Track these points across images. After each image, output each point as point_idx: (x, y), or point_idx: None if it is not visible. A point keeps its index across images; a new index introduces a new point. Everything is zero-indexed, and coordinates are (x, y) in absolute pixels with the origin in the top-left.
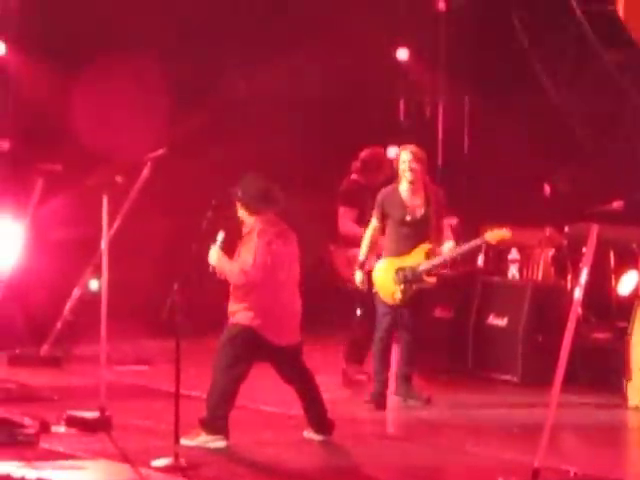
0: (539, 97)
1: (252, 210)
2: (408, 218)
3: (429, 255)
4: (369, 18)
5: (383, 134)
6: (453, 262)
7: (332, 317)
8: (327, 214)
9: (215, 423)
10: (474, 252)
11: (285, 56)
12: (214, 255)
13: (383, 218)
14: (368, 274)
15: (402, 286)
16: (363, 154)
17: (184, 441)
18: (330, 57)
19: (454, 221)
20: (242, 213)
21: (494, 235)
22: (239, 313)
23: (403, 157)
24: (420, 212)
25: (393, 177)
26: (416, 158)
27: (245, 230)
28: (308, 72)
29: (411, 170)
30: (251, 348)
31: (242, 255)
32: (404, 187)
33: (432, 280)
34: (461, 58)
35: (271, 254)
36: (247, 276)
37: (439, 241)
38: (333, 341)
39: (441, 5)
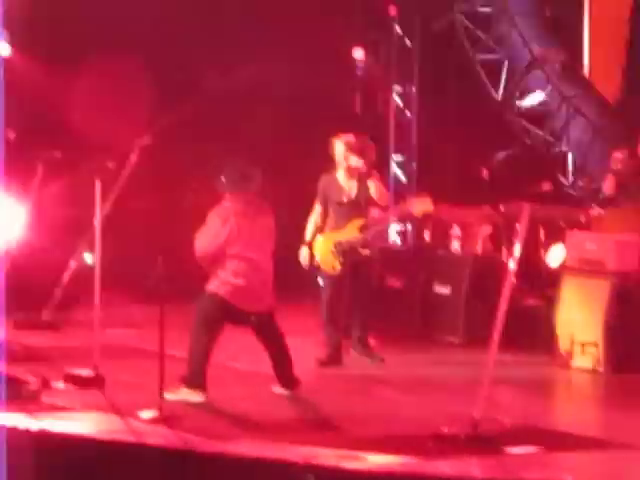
0: (480, 93)
1: (227, 190)
2: (344, 199)
3: (362, 229)
4: (329, 22)
5: (342, 125)
6: (382, 235)
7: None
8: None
9: (194, 379)
10: (402, 220)
11: (255, 57)
12: None
13: (325, 202)
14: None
15: (340, 258)
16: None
17: (168, 395)
18: (295, 57)
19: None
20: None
21: (418, 205)
22: (210, 281)
23: (338, 147)
24: (354, 193)
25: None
26: (349, 147)
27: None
28: (276, 71)
29: (345, 158)
30: (220, 313)
31: (200, 233)
32: (340, 173)
33: (366, 252)
34: (409, 57)
35: (226, 230)
36: (197, 252)
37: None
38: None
39: (392, 10)
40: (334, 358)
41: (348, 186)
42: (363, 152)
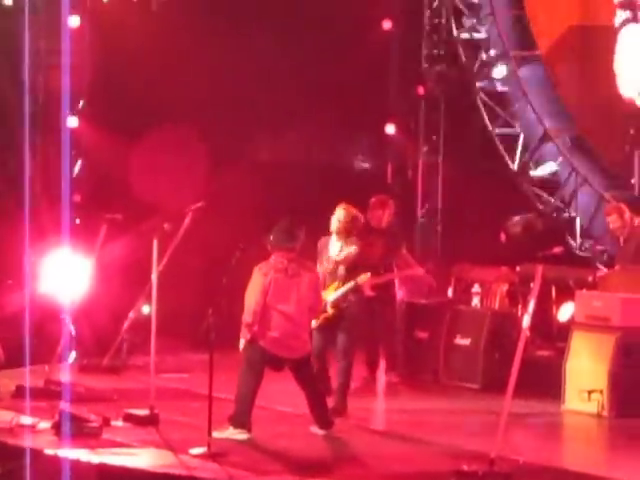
0: (498, 163)
1: (272, 247)
2: (330, 261)
3: (336, 289)
4: (365, 100)
5: (376, 192)
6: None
7: None
8: None
9: (240, 419)
10: (356, 290)
11: (296, 123)
12: None
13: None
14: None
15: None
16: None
17: (216, 434)
18: (334, 129)
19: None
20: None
21: (362, 278)
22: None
23: (336, 215)
24: (339, 257)
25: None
26: (344, 216)
27: None
28: (315, 141)
29: (338, 226)
30: (261, 359)
31: None
32: (333, 237)
33: (331, 312)
34: (437, 131)
35: (265, 284)
36: (246, 307)
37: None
38: None
39: (420, 90)
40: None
41: (335, 248)
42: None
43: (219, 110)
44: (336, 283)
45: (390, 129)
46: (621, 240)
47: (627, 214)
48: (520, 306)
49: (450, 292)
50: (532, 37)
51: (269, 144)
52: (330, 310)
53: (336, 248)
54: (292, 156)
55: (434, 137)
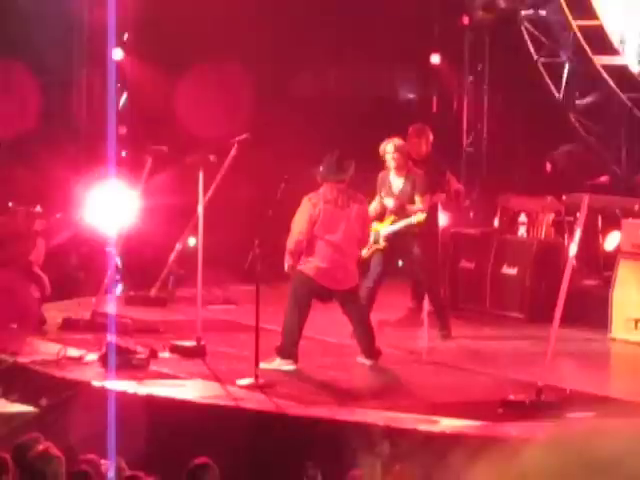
0: (541, 93)
1: (322, 178)
2: (389, 194)
3: (393, 224)
4: (410, 31)
5: (422, 122)
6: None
7: None
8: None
9: (287, 350)
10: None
11: (341, 56)
12: None
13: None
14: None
15: (373, 246)
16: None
17: (263, 365)
18: (378, 62)
19: (443, 196)
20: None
21: (418, 217)
22: (300, 262)
23: (388, 149)
24: (398, 190)
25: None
26: (397, 149)
27: None
28: (360, 74)
29: (393, 159)
30: (307, 290)
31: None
32: (392, 172)
33: (383, 244)
34: (481, 61)
35: (313, 215)
36: (292, 235)
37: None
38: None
39: (465, 19)
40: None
41: (394, 183)
42: (407, 154)
43: (264, 43)
44: (392, 217)
45: (435, 59)
46: None
47: None
48: (566, 235)
49: (496, 222)
50: None
51: (314, 75)
52: (382, 243)
53: (398, 183)
54: (337, 89)
55: (479, 67)
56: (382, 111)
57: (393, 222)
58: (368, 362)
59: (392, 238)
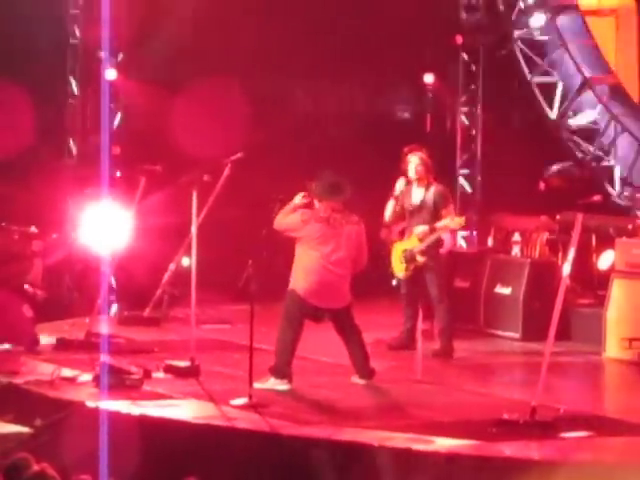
0: (535, 112)
1: (318, 198)
2: (411, 207)
3: (421, 239)
4: (404, 52)
5: (415, 142)
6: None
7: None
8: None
9: (281, 369)
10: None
11: (337, 80)
12: (295, 200)
13: (401, 205)
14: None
15: (405, 264)
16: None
17: (257, 385)
18: (373, 81)
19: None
20: (316, 201)
21: (455, 222)
22: (292, 280)
23: (412, 161)
24: (420, 200)
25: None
26: (422, 162)
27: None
28: (355, 93)
29: (417, 171)
30: (300, 309)
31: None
32: (414, 184)
33: (422, 259)
34: (474, 81)
35: (307, 230)
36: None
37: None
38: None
39: (458, 39)
40: (402, 342)
41: (416, 194)
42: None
43: (259, 62)
44: (418, 231)
45: (428, 79)
46: None
47: None
48: (560, 255)
49: (490, 241)
50: None
51: (309, 95)
52: (420, 259)
53: (419, 194)
54: (332, 107)
55: (472, 86)
56: (376, 130)
57: (423, 237)
58: (362, 382)
59: (428, 251)
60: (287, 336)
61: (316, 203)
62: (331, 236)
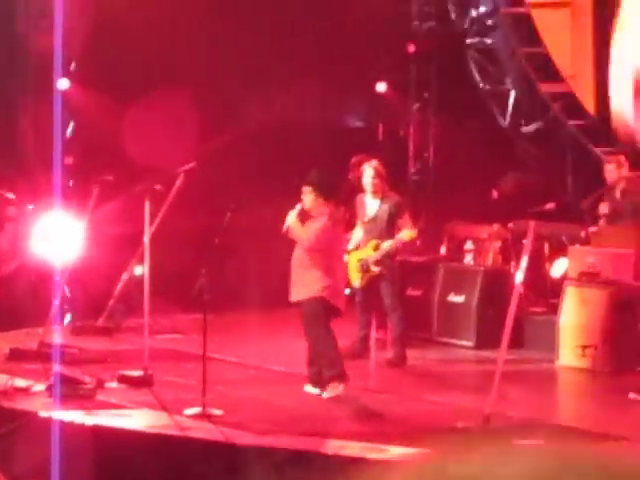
0: (488, 120)
1: (326, 196)
2: (366, 219)
3: (375, 249)
4: (356, 60)
5: (366, 151)
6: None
7: None
8: None
9: (344, 373)
10: (402, 246)
11: (290, 88)
12: (291, 218)
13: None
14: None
15: (360, 273)
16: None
17: (326, 394)
18: (325, 90)
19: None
20: (312, 198)
21: (405, 234)
22: (310, 287)
23: (367, 172)
24: (376, 213)
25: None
26: (376, 174)
27: (314, 211)
28: (308, 102)
29: (372, 184)
30: (327, 314)
31: (311, 228)
32: (368, 195)
33: (377, 270)
34: (428, 88)
35: (333, 233)
36: (310, 244)
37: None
38: None
39: (411, 47)
40: (356, 351)
41: (371, 206)
42: (384, 175)
43: (211, 71)
44: (374, 242)
45: (381, 87)
46: (616, 194)
47: (625, 169)
48: (513, 263)
49: (443, 249)
50: None
51: (261, 105)
52: (375, 269)
53: (374, 205)
54: (284, 117)
55: (425, 94)
56: (329, 139)
57: (377, 246)
58: (315, 391)
59: (383, 262)
60: (330, 342)
61: (310, 202)
62: (338, 236)
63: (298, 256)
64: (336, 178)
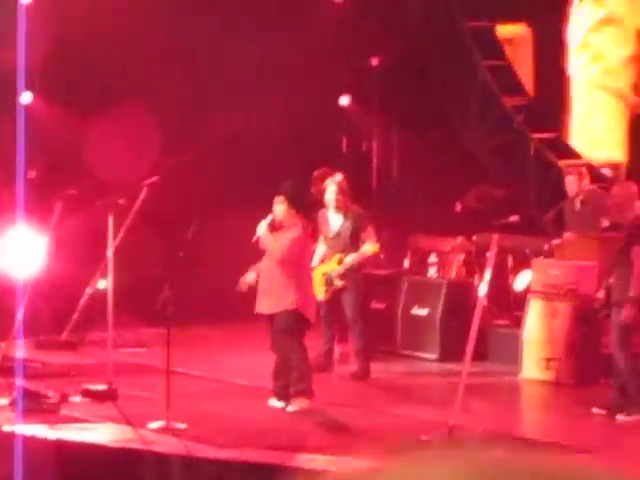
0: (452, 133)
1: (297, 208)
2: (330, 234)
3: (339, 263)
4: (319, 73)
5: (330, 164)
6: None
7: None
8: None
9: (311, 389)
10: (365, 260)
11: (251, 103)
12: (262, 229)
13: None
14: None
15: (325, 287)
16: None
17: (291, 408)
18: (288, 103)
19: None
20: (284, 208)
21: (368, 248)
22: (282, 299)
23: (330, 188)
24: (340, 228)
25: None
26: (339, 189)
27: (286, 222)
28: (272, 115)
29: (336, 200)
30: (303, 327)
31: (283, 239)
32: (330, 210)
33: (340, 282)
34: (392, 102)
35: (304, 245)
36: (282, 255)
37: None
38: None
39: (374, 61)
40: (320, 364)
41: (334, 221)
42: (347, 190)
43: (173, 86)
44: (338, 256)
45: (344, 101)
46: (576, 205)
47: (586, 180)
48: (477, 276)
49: (406, 262)
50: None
51: (223, 117)
52: (339, 282)
53: (337, 221)
54: (248, 129)
55: (389, 108)
56: (293, 152)
57: (341, 260)
58: (280, 404)
59: (347, 276)
60: (303, 356)
61: (282, 213)
62: (312, 248)
63: (268, 267)
64: (307, 191)
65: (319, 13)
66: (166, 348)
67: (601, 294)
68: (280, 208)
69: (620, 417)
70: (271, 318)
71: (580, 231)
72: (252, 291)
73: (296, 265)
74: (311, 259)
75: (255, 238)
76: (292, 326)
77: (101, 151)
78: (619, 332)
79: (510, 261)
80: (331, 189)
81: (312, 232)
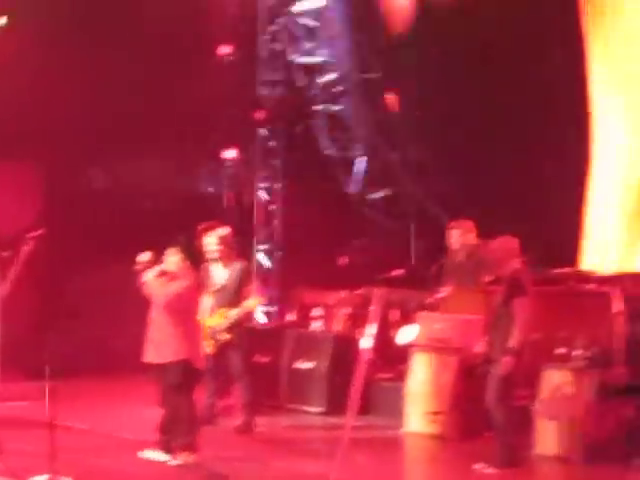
0: (336, 186)
1: (188, 258)
2: (216, 287)
3: (226, 317)
4: (203, 126)
5: (215, 217)
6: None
7: None
8: None
9: (194, 443)
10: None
11: (135, 150)
12: (150, 275)
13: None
14: None
15: (211, 340)
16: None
17: (174, 462)
18: (175, 157)
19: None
20: (179, 259)
21: (251, 303)
22: (171, 349)
23: (210, 240)
24: (225, 281)
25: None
26: (221, 241)
27: (179, 273)
28: (155, 169)
29: (219, 251)
30: (191, 376)
31: (172, 286)
32: (214, 264)
33: (225, 336)
34: (274, 155)
35: (194, 295)
36: (167, 300)
37: (240, 304)
38: None
39: (258, 115)
40: (204, 417)
41: (218, 274)
42: (232, 243)
43: (56, 139)
44: (223, 310)
45: (229, 154)
46: (460, 258)
47: (472, 235)
48: (363, 329)
49: (292, 316)
50: (372, 60)
51: (109, 172)
52: (224, 336)
53: (223, 274)
54: (130, 183)
55: (273, 161)
56: (178, 205)
57: (225, 314)
58: (164, 457)
59: (232, 329)
60: (191, 410)
61: (175, 264)
62: (199, 300)
63: (156, 317)
64: (198, 245)
65: (203, 65)
66: (49, 401)
67: (479, 347)
68: (174, 259)
69: (477, 466)
70: (159, 367)
71: (464, 284)
72: (137, 341)
73: (184, 314)
74: (198, 311)
75: (142, 281)
76: (181, 380)
77: None
78: (497, 384)
79: (396, 315)
80: (212, 241)
81: (199, 285)
